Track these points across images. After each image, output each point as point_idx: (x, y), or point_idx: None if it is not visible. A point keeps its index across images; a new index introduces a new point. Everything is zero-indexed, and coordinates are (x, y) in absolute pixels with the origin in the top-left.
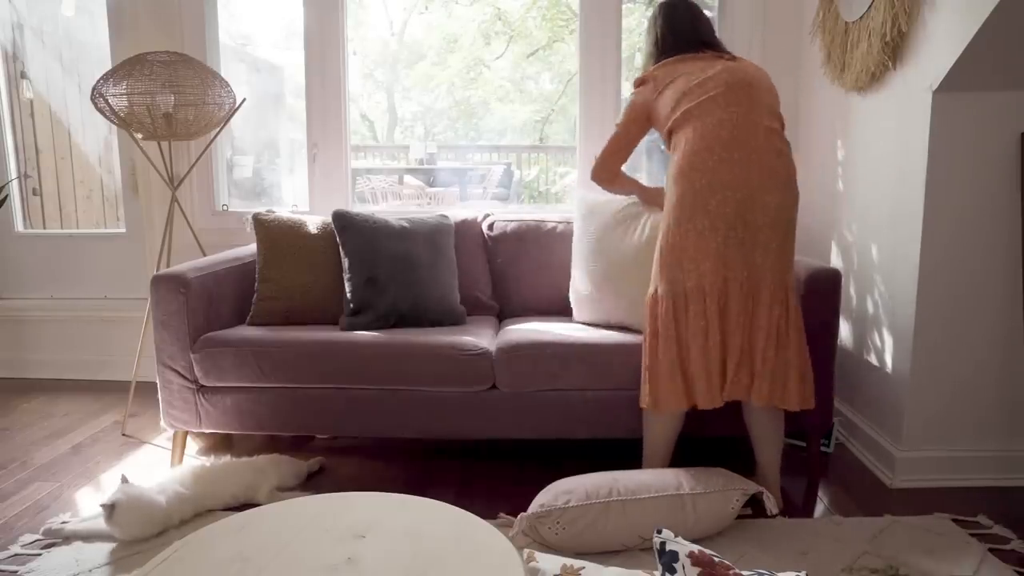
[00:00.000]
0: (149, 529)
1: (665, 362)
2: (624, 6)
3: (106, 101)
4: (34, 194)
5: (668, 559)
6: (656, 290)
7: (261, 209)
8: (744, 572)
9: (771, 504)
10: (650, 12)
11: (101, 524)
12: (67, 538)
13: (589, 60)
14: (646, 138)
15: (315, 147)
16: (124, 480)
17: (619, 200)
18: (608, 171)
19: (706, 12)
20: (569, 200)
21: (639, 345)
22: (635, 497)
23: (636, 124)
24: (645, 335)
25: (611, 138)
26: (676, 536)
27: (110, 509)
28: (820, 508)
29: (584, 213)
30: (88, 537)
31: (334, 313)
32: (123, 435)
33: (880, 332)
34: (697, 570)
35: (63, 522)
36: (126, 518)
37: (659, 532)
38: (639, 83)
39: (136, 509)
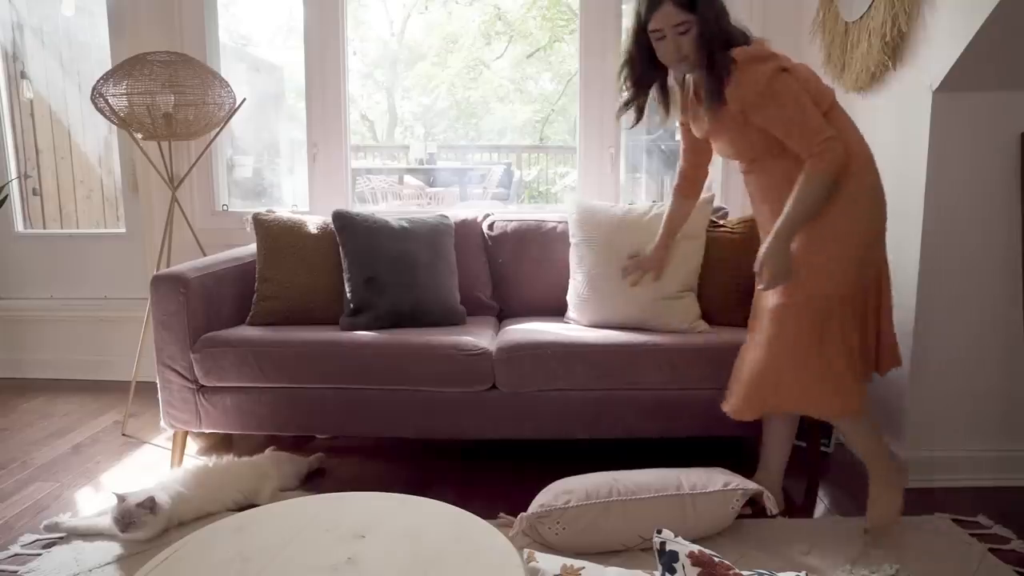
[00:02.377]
0: (152, 532)
1: (852, 361)
2: (624, 6)
3: (106, 101)
4: (34, 194)
5: (668, 559)
6: (828, 290)
7: (261, 209)
8: (744, 572)
9: (771, 504)
10: None
11: (100, 522)
12: (67, 535)
13: (589, 60)
14: (646, 137)
15: (315, 147)
16: (121, 498)
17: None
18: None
19: None
20: (569, 200)
21: (638, 345)
22: (635, 497)
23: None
24: (807, 340)
25: (804, 117)
26: (676, 536)
27: (149, 508)
28: (820, 508)
29: (581, 214)
30: (88, 536)
31: (334, 313)
32: (123, 435)
33: None
34: (697, 570)
35: (69, 515)
36: (160, 519)
37: (659, 532)
38: (768, 56)
39: (162, 514)
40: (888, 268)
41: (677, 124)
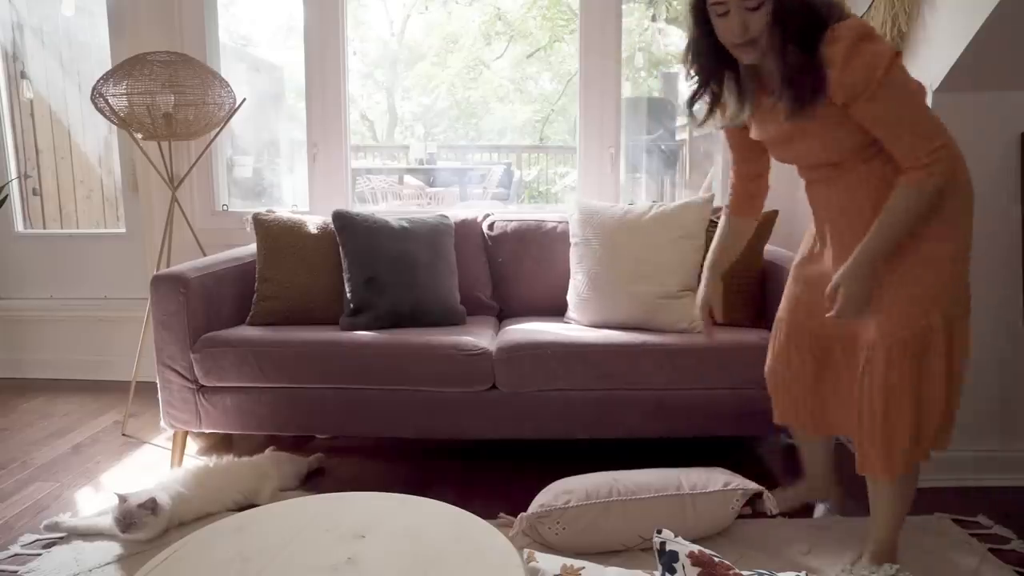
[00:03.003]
0: (152, 532)
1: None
2: (624, 6)
3: (106, 101)
4: (34, 194)
5: (668, 559)
6: (947, 315)
7: (261, 209)
8: (744, 572)
9: (771, 504)
10: (651, 12)
11: (101, 522)
12: (67, 535)
13: (589, 60)
14: (646, 137)
15: (315, 147)
16: (122, 499)
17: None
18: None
19: None
20: (569, 200)
21: (639, 345)
22: (635, 497)
23: None
24: (936, 372)
25: (919, 119)
26: (676, 536)
27: (151, 509)
28: (820, 508)
29: (581, 214)
30: (88, 536)
31: (334, 313)
32: (123, 435)
33: None
34: (697, 570)
35: (69, 515)
36: (161, 520)
37: (659, 532)
38: (897, 55)
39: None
40: (964, 318)
41: (717, 129)
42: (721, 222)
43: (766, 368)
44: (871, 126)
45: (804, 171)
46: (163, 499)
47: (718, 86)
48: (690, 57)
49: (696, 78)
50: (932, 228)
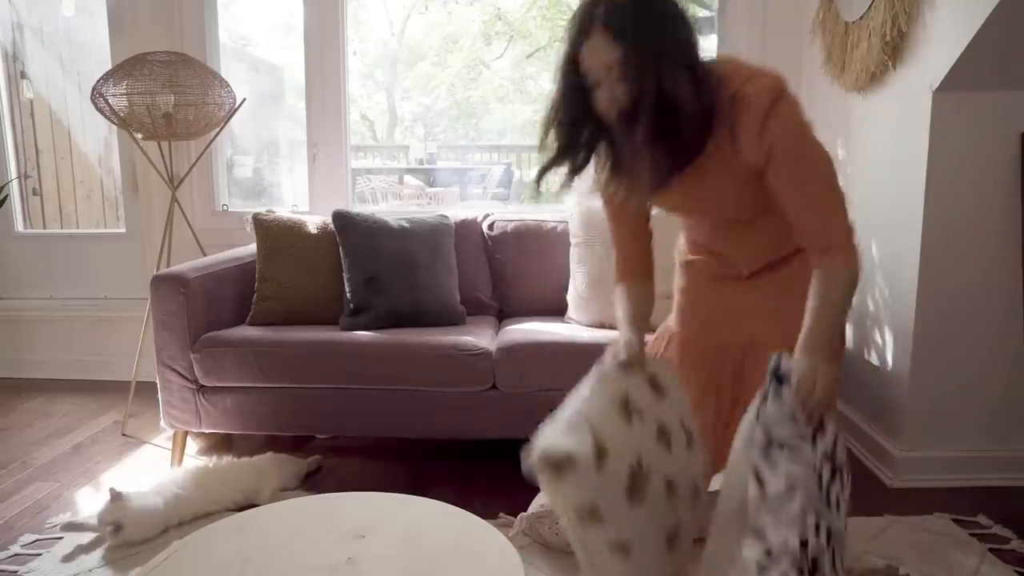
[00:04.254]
0: (150, 533)
1: None
2: None
3: (106, 101)
4: (34, 194)
5: (778, 378)
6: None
7: (261, 209)
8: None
9: None
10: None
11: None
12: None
13: None
14: None
15: (315, 147)
16: (116, 495)
17: None
18: None
19: (705, 12)
20: (569, 200)
21: None
22: None
23: None
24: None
25: (839, 192)
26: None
27: (116, 528)
28: None
29: (581, 215)
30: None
31: (334, 313)
32: (123, 435)
33: (880, 332)
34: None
35: (85, 518)
36: (130, 532)
37: (778, 355)
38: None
39: (138, 522)
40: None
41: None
42: (620, 295)
43: None
44: (783, 194)
45: (693, 221)
46: (129, 515)
47: (584, 157)
48: (552, 131)
49: (558, 151)
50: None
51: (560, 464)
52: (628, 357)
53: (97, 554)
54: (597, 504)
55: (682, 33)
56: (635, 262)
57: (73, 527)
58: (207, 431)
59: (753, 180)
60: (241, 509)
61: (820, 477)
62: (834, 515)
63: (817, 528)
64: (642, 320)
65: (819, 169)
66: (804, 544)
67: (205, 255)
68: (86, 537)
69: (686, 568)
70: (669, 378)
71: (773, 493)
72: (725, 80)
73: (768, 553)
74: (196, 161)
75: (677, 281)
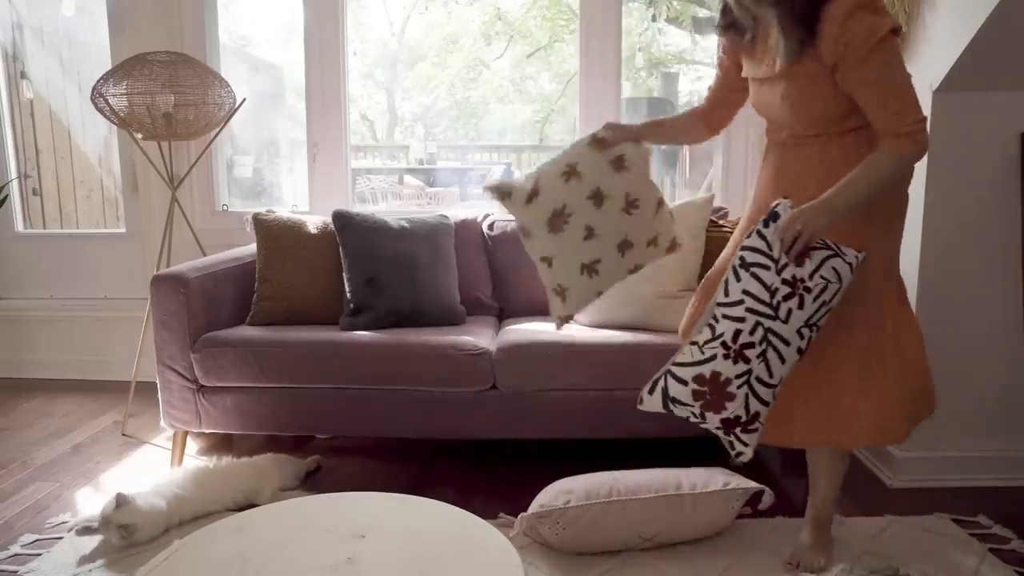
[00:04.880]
0: (154, 533)
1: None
2: (624, 6)
3: (106, 101)
4: (34, 194)
5: (773, 216)
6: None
7: (261, 209)
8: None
9: (767, 498)
10: (651, 12)
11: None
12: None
13: (589, 60)
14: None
15: (315, 147)
16: (125, 500)
17: None
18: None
19: (705, 12)
20: None
21: (639, 345)
22: (635, 497)
23: None
24: (899, 325)
25: (907, 89)
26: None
27: (129, 533)
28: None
29: None
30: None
31: (334, 313)
32: (123, 435)
33: None
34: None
35: (92, 519)
36: (140, 536)
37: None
38: (898, 31)
39: (147, 524)
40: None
41: (717, 57)
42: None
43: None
44: (857, 89)
45: (768, 131)
46: (139, 519)
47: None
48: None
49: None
50: (870, 230)
51: (502, 193)
52: (604, 135)
53: (97, 554)
54: (527, 226)
55: None
56: (700, 112)
57: (88, 531)
58: (207, 431)
59: (825, 79)
60: (241, 509)
61: (773, 294)
62: (779, 323)
63: (754, 329)
64: (654, 127)
65: (893, 64)
66: (737, 335)
67: (205, 255)
68: (87, 537)
69: (601, 293)
70: (638, 161)
71: (729, 299)
72: None
73: (712, 338)
74: (196, 161)
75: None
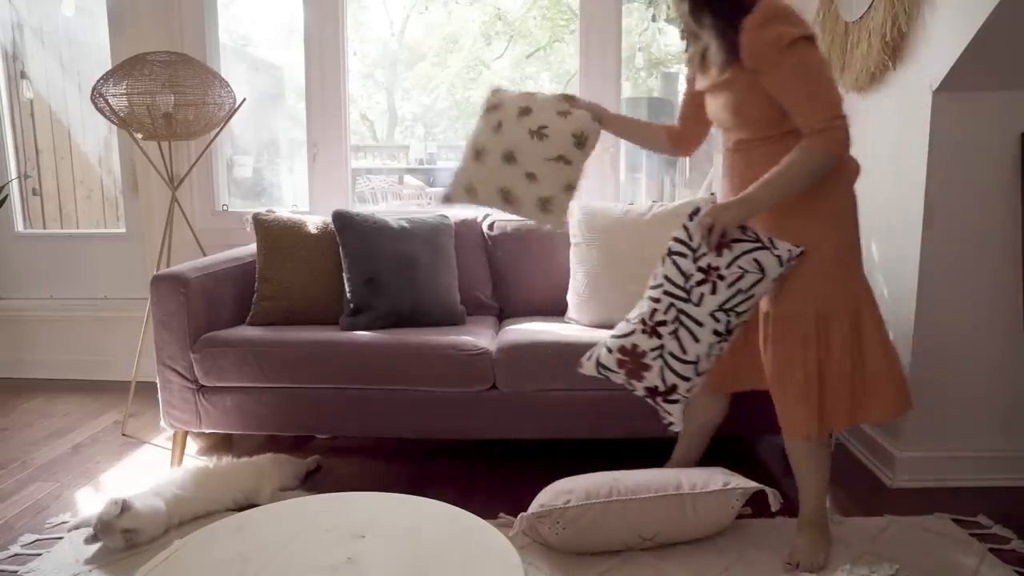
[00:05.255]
0: (155, 534)
1: (846, 383)
2: (624, 6)
3: (106, 101)
4: (34, 194)
5: (696, 212)
6: (823, 308)
7: (261, 209)
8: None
9: (774, 501)
10: (651, 12)
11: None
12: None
13: (589, 60)
14: None
15: (315, 147)
16: (127, 505)
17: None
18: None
19: None
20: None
21: None
22: (635, 497)
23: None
24: (805, 357)
25: (821, 89)
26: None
27: (133, 537)
28: None
29: (581, 214)
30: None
31: (334, 313)
32: (123, 435)
33: None
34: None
35: (69, 515)
36: (142, 538)
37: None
38: (810, 39)
39: (148, 527)
40: (872, 300)
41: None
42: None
43: None
44: (779, 93)
45: (723, 139)
46: (141, 523)
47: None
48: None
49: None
50: (811, 229)
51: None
52: (560, 96)
53: (98, 555)
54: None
55: None
56: (668, 125)
57: (95, 539)
58: (207, 431)
59: (753, 83)
60: (241, 509)
61: (687, 279)
62: (691, 305)
63: (668, 309)
64: (616, 120)
65: (803, 68)
66: (653, 313)
67: (205, 255)
68: (86, 536)
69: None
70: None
71: (653, 282)
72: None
73: (636, 315)
74: (196, 161)
75: None
